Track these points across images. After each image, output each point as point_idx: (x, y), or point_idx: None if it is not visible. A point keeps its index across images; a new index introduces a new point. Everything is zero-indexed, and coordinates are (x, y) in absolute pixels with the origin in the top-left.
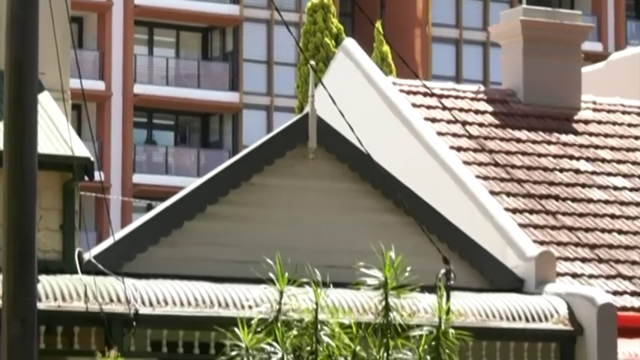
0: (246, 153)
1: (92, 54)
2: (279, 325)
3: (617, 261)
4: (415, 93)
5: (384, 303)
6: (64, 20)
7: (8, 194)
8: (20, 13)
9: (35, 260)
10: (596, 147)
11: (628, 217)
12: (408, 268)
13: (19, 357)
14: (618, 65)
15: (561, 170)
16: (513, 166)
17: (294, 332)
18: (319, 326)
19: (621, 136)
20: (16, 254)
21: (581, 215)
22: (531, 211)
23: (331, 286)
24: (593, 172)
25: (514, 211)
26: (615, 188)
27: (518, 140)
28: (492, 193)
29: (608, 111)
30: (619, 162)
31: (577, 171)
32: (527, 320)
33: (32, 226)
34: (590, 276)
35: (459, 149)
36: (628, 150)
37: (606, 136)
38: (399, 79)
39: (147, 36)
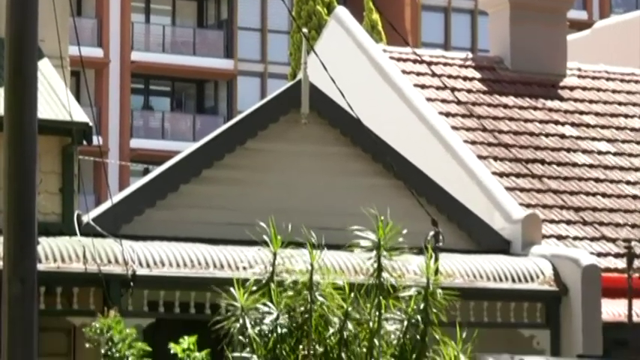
0: (241, 118)
1: (90, 22)
2: (273, 285)
3: (601, 223)
4: (405, 60)
5: (376, 265)
6: None
7: (9, 158)
8: None
9: (35, 223)
10: (581, 113)
11: (612, 181)
12: (404, 231)
13: (19, 317)
14: (603, 33)
15: (547, 135)
16: (500, 131)
17: (289, 293)
18: (313, 287)
19: (605, 102)
20: (16, 217)
21: (566, 179)
22: (518, 175)
23: (324, 248)
24: (578, 137)
25: (501, 174)
26: (599, 153)
27: (505, 106)
28: (480, 157)
29: (593, 77)
30: (603, 127)
31: (562, 136)
32: (513, 281)
33: (32, 190)
34: (575, 238)
35: (447, 115)
36: (612, 115)
37: (591, 102)
38: (389, 47)
39: (143, 4)
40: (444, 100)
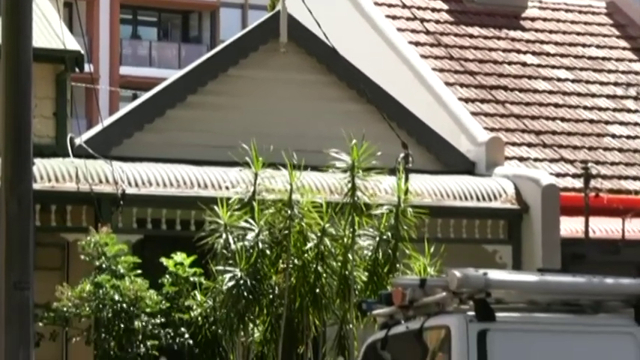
0: (223, 47)
1: None
2: (255, 204)
3: (560, 146)
4: None
5: (350, 184)
6: None
7: (6, 85)
8: None
9: (31, 145)
10: (542, 42)
11: (570, 106)
12: (379, 153)
13: (16, 234)
14: None
15: (510, 63)
16: (466, 60)
17: (269, 211)
18: (292, 205)
19: (564, 32)
20: (13, 140)
21: (527, 104)
22: (482, 101)
23: (303, 169)
24: (539, 65)
25: (467, 100)
26: (559, 80)
27: (471, 36)
28: (447, 84)
29: (553, 9)
30: (562, 56)
31: (524, 64)
32: (478, 199)
33: (28, 114)
34: (536, 159)
35: (416, 44)
36: (570, 45)
37: (550, 32)
38: None
39: None
40: (413, 30)
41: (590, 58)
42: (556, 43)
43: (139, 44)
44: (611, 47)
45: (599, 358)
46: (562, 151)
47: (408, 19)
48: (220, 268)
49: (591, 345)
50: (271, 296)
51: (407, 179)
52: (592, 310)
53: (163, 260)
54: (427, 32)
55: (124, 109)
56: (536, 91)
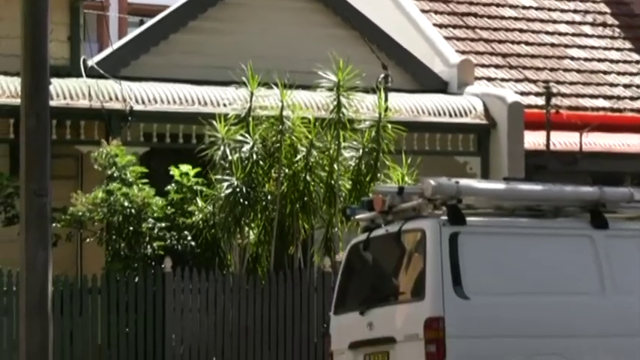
0: None
1: None
2: (250, 119)
3: (524, 67)
4: None
5: (336, 102)
6: None
7: (24, 12)
8: None
9: (47, 66)
10: None
11: (533, 31)
12: (364, 75)
13: (35, 147)
14: None
15: (478, 2)
16: None
17: (263, 126)
18: (283, 121)
19: None
20: (32, 61)
21: (495, 30)
22: (454, 26)
23: (293, 88)
24: (504, 3)
25: (440, 26)
26: (523, 7)
27: None
28: (423, 11)
29: None
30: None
31: (501, 4)
32: (450, 116)
33: (45, 38)
34: (502, 79)
35: None
36: None
37: None
38: None
39: None
40: None
41: None
42: None
43: None
44: None
45: (559, 258)
46: (526, 72)
47: None
48: (219, 177)
49: (551, 246)
50: (264, 202)
51: (386, 97)
52: (552, 214)
53: (171, 170)
54: None
55: (132, 33)
56: (503, 17)
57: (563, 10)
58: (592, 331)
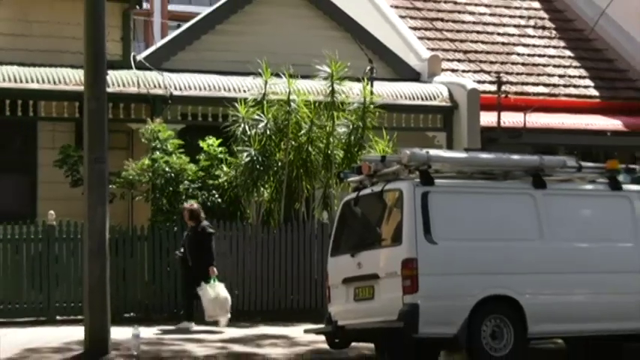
0: None
1: None
2: (264, 102)
3: (481, 61)
4: None
5: (331, 89)
6: None
7: (87, 18)
8: None
9: (105, 60)
10: None
11: (488, 33)
12: (357, 67)
13: (95, 124)
14: None
15: (445, 2)
16: (414, 4)
17: (274, 107)
18: (290, 103)
19: None
20: (93, 57)
21: (457, 32)
22: (425, 29)
23: (298, 77)
24: (466, 4)
25: (414, 28)
26: (480, 14)
27: None
28: (400, 16)
29: None
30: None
31: (455, 3)
32: (422, 100)
33: (102, 38)
34: (463, 71)
35: None
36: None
37: None
38: None
39: None
40: None
41: (501, 1)
42: None
43: None
44: None
45: (507, 212)
46: (482, 65)
47: None
48: (240, 148)
49: (501, 202)
50: (276, 168)
51: (371, 85)
52: (502, 177)
53: (200, 143)
54: None
55: (171, 35)
56: (463, 22)
57: (511, 16)
58: (533, 269)
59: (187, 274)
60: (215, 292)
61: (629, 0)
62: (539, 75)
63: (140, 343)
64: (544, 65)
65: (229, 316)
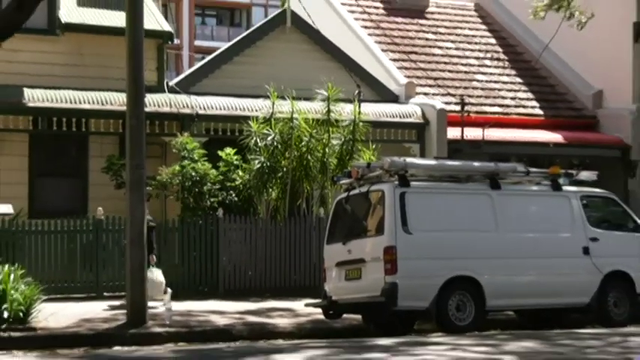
0: (254, 29)
1: None
2: (272, 120)
3: (447, 87)
4: None
5: (327, 108)
6: None
7: (129, 52)
8: None
9: (143, 86)
10: (437, 26)
11: (453, 64)
12: (354, 92)
13: (135, 137)
14: None
15: (419, 38)
16: (393, 36)
17: (280, 124)
18: (293, 120)
19: (450, 20)
20: (133, 82)
21: (429, 62)
22: (403, 60)
23: (299, 99)
24: (435, 40)
25: (394, 60)
26: (447, 48)
27: (396, 22)
28: (383, 50)
29: (444, 7)
30: (449, 34)
31: (426, 39)
32: (400, 118)
33: (141, 68)
34: (433, 94)
35: (366, 27)
36: (454, 27)
37: (443, 20)
38: None
39: None
40: (364, 19)
41: (465, 35)
42: (445, 27)
43: (205, 27)
44: (477, 29)
45: (469, 208)
46: (448, 89)
47: (361, 12)
48: (252, 156)
49: (464, 200)
50: (281, 173)
51: (359, 105)
52: (465, 180)
53: (220, 152)
54: (372, 20)
55: (197, 65)
56: (433, 55)
57: (472, 50)
58: (490, 255)
59: None
60: (153, 276)
61: (566, 38)
62: (494, 97)
63: (172, 314)
64: (499, 89)
65: (169, 293)
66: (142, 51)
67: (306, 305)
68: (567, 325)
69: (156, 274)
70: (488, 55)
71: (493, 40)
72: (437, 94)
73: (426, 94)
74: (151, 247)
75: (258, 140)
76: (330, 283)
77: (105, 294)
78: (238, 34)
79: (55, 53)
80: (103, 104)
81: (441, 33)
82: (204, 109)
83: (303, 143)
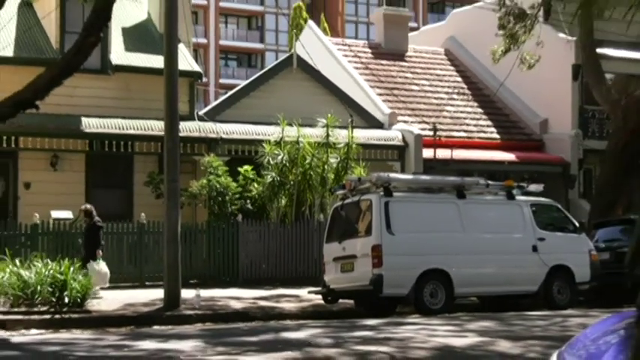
0: (266, 70)
1: (200, 28)
2: (282, 142)
3: (423, 116)
4: (336, 44)
5: (326, 133)
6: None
7: (167, 87)
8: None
9: (177, 115)
10: (414, 67)
11: (427, 97)
12: (348, 121)
13: (171, 157)
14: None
15: (400, 77)
16: (379, 75)
17: (288, 146)
18: (299, 142)
19: (425, 63)
20: (169, 112)
21: (407, 97)
22: (387, 95)
23: (304, 126)
24: (413, 78)
25: (380, 94)
26: (422, 85)
27: (381, 64)
28: (371, 86)
29: (419, 52)
30: (424, 74)
31: (406, 77)
32: (385, 141)
33: (176, 100)
34: (412, 122)
35: (357, 68)
36: (429, 69)
37: (419, 62)
38: (333, 38)
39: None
40: (355, 62)
41: (437, 74)
42: (421, 68)
43: (228, 68)
44: (446, 70)
45: (440, 214)
46: (423, 118)
47: (353, 56)
48: (265, 172)
49: (437, 208)
50: (288, 186)
51: (352, 131)
52: (437, 191)
53: (239, 169)
54: (362, 62)
55: (221, 98)
56: (412, 90)
57: (442, 87)
58: (457, 251)
59: (85, 255)
60: (99, 267)
61: (518, 76)
62: (460, 124)
63: (200, 300)
64: (464, 118)
65: (107, 285)
66: (176, 87)
67: (309, 292)
68: (520, 308)
69: (101, 266)
70: (456, 90)
71: (459, 79)
72: (414, 122)
73: (405, 121)
74: (98, 243)
75: (270, 159)
76: (329, 275)
77: (146, 283)
78: (254, 74)
79: (106, 89)
80: (145, 130)
81: (417, 73)
82: (227, 134)
83: (306, 161)
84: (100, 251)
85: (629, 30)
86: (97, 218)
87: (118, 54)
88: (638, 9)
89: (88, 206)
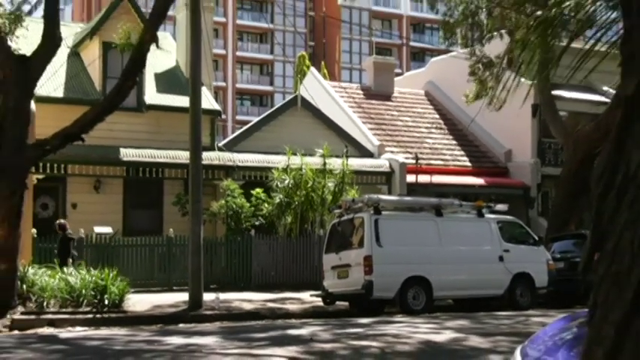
0: (275, 109)
1: (220, 74)
2: (288, 169)
3: (407, 146)
4: (334, 87)
5: (324, 162)
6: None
7: (192, 123)
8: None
9: (201, 146)
10: (400, 106)
11: (410, 132)
12: (343, 153)
13: (195, 182)
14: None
15: (388, 113)
16: (370, 114)
17: (294, 171)
18: (302, 169)
19: (410, 104)
20: (194, 143)
21: (393, 131)
22: (377, 129)
23: (306, 155)
24: (398, 116)
25: (370, 129)
26: (405, 122)
27: (371, 103)
28: (363, 122)
29: (404, 93)
30: (407, 112)
31: (392, 114)
32: (374, 168)
33: (199, 133)
34: (397, 152)
35: (351, 107)
36: (409, 108)
37: (404, 103)
38: (331, 82)
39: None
40: (349, 101)
41: (418, 112)
42: (405, 106)
43: (242, 107)
44: (426, 108)
45: (422, 230)
46: (407, 149)
47: (347, 96)
48: (274, 194)
49: (418, 225)
50: (294, 205)
51: (347, 159)
52: (418, 210)
53: (252, 191)
54: (355, 102)
55: (236, 132)
56: (397, 125)
57: (422, 122)
58: (435, 261)
59: (60, 263)
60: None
61: (487, 114)
62: (438, 154)
63: (219, 302)
64: (441, 148)
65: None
66: (200, 123)
67: (311, 295)
68: (489, 309)
69: (70, 272)
70: (434, 125)
71: (437, 116)
72: (399, 152)
73: (392, 152)
74: (68, 253)
75: (278, 183)
76: (327, 281)
77: (174, 288)
78: (265, 112)
79: (141, 124)
80: (173, 159)
81: (401, 111)
82: (242, 162)
83: (309, 185)
84: (71, 259)
85: (576, 76)
86: (69, 231)
87: (151, 95)
88: (582, 61)
89: (62, 221)
